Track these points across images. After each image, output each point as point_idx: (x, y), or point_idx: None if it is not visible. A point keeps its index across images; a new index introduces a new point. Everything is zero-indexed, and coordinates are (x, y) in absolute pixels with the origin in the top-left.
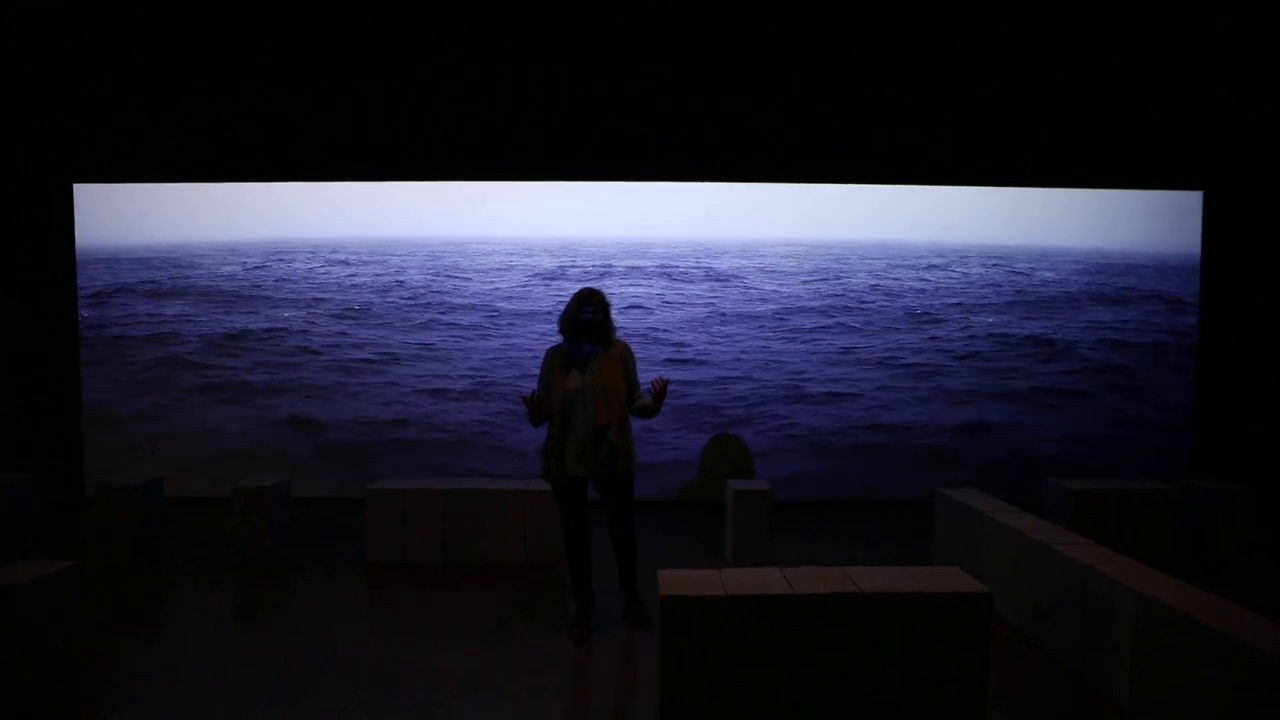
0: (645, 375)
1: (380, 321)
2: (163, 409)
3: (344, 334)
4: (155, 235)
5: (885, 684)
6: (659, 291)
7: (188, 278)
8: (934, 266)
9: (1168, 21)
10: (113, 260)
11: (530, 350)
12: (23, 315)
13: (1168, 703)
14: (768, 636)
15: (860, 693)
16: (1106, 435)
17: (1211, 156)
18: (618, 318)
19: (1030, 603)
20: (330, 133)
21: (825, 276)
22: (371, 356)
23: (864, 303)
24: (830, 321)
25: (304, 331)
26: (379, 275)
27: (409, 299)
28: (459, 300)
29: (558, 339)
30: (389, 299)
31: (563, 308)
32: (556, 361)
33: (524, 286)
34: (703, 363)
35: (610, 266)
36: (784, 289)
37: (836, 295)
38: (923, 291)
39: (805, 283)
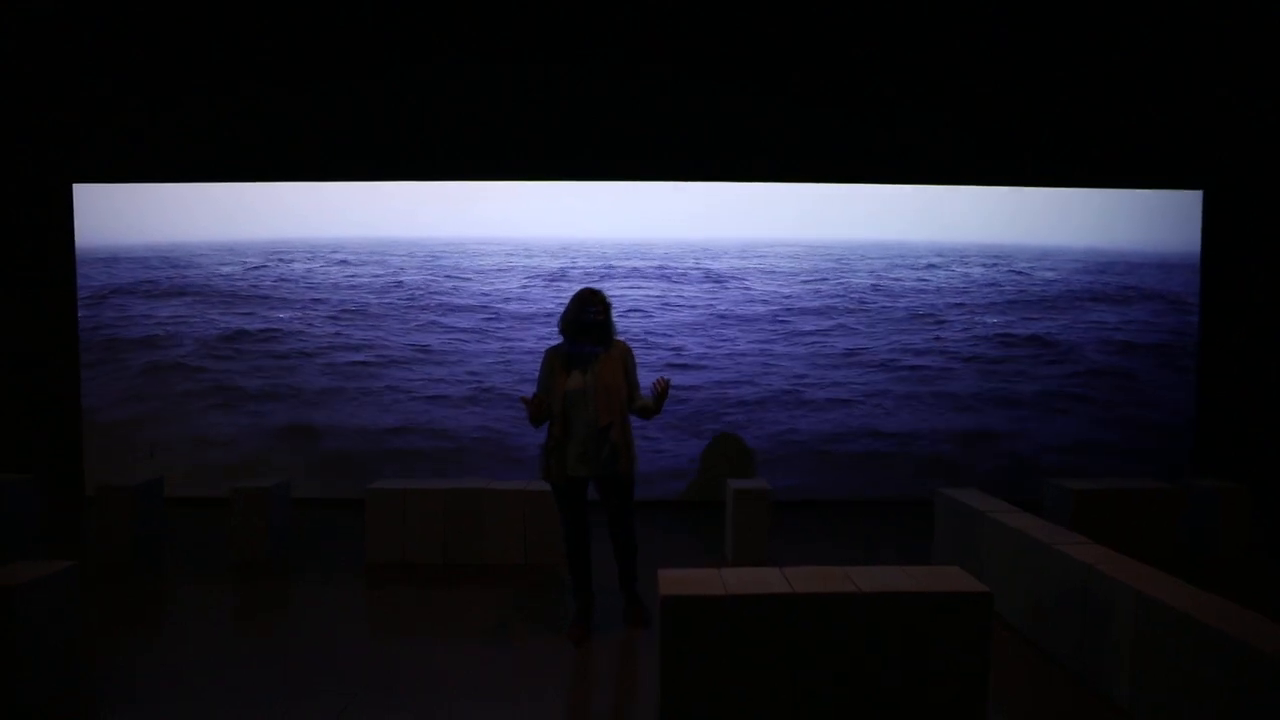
0: (644, 377)
1: (374, 324)
2: (161, 411)
3: (338, 334)
4: (155, 235)
5: (885, 684)
6: (659, 293)
7: (186, 278)
8: (933, 266)
9: (1168, 21)
10: (112, 260)
11: (531, 352)
12: (22, 315)
13: (1168, 702)
14: (768, 636)
15: (860, 692)
16: (1107, 435)
17: (1211, 156)
18: (618, 320)
19: (1030, 602)
20: (330, 133)
21: (825, 277)
22: (369, 359)
23: (865, 303)
24: (830, 323)
25: (300, 333)
26: (378, 275)
27: (408, 300)
28: (457, 301)
29: (558, 340)
30: (387, 299)
31: (563, 309)
32: (557, 362)
33: (524, 287)
34: (701, 367)
35: (611, 268)
36: (784, 289)
37: (837, 296)
38: (923, 292)
39: (805, 283)
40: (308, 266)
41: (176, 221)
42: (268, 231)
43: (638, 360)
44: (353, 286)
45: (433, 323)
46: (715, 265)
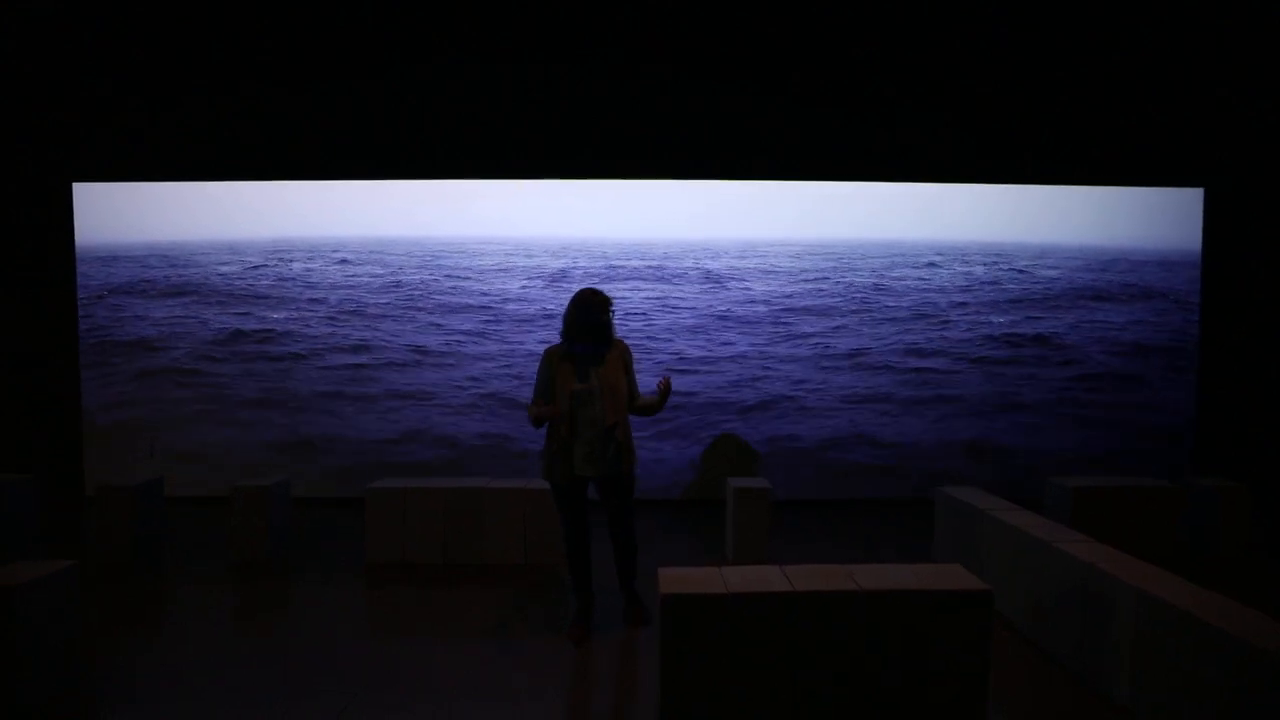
0: (644, 378)
1: (372, 325)
2: (160, 411)
3: (336, 334)
4: (154, 234)
5: (885, 682)
6: (659, 295)
7: (184, 277)
8: (934, 265)
9: (1168, 21)
10: (111, 259)
11: (531, 354)
12: (22, 315)
13: (1168, 701)
14: (768, 635)
15: (860, 691)
16: (1107, 434)
17: (1212, 154)
18: (617, 321)
19: (1030, 601)
20: (330, 132)
21: (826, 276)
22: (368, 361)
23: (867, 303)
24: (832, 324)
25: (296, 334)
26: (377, 275)
27: (407, 300)
28: (455, 300)
29: (556, 342)
30: (387, 300)
31: (564, 310)
32: (560, 363)
33: (524, 288)
34: (699, 371)
35: (611, 268)
36: (784, 289)
37: (838, 295)
38: (925, 290)
39: (806, 283)
40: (306, 266)
41: (176, 220)
42: (268, 230)
43: (636, 360)
44: (352, 286)
45: (433, 324)
46: (715, 265)
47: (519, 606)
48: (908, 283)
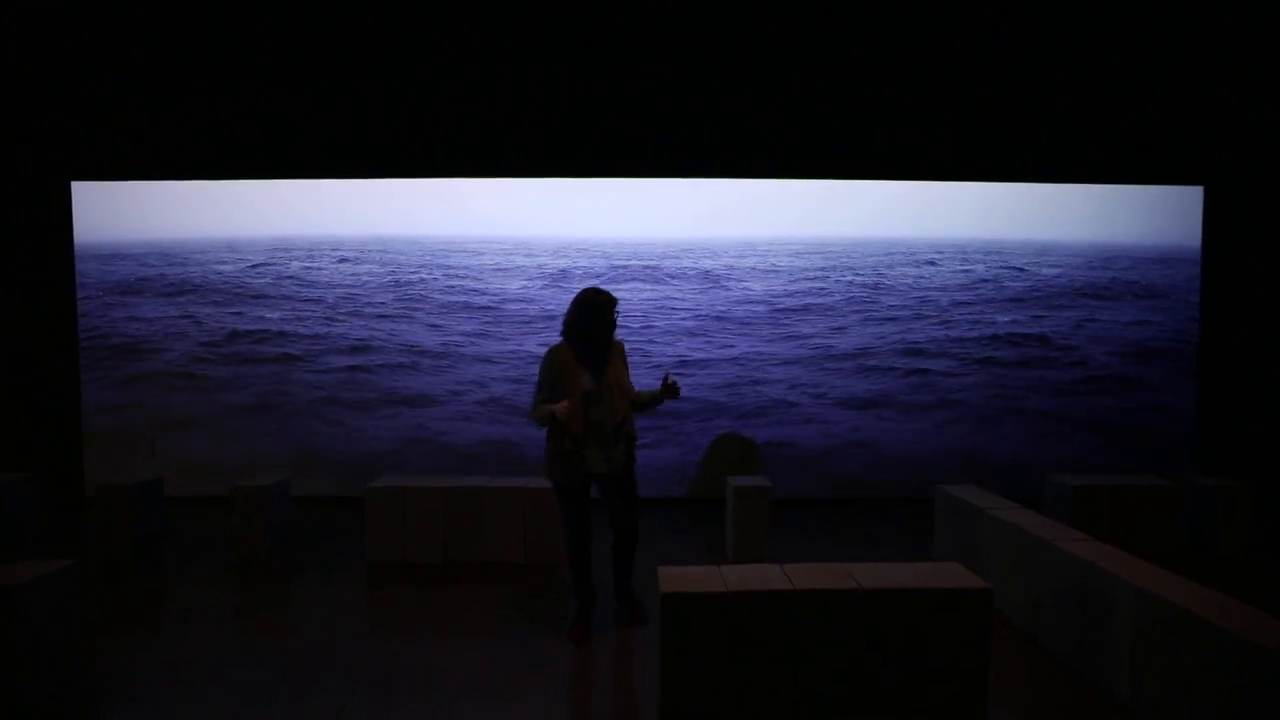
0: (645, 378)
1: (371, 326)
2: (160, 411)
3: (334, 334)
4: (154, 233)
5: (885, 680)
6: (658, 295)
7: (183, 276)
8: (933, 264)
9: (1168, 20)
10: (111, 258)
11: (531, 355)
12: (22, 314)
13: (1168, 699)
14: (768, 633)
15: (860, 689)
16: (1107, 433)
17: (1211, 153)
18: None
19: (1030, 599)
20: (330, 132)
21: (827, 275)
22: (367, 364)
23: (867, 303)
24: (831, 325)
25: (295, 335)
26: (378, 276)
27: (407, 301)
28: (454, 300)
29: (557, 341)
30: (386, 300)
31: (568, 309)
32: (568, 362)
33: (523, 288)
34: (698, 373)
35: (611, 268)
36: (785, 288)
37: (839, 295)
38: (927, 290)
39: (806, 281)
40: (305, 265)
41: (176, 220)
42: (269, 229)
43: (636, 360)
44: (354, 287)
45: (433, 326)
46: (715, 264)
47: (519, 606)
48: (908, 281)
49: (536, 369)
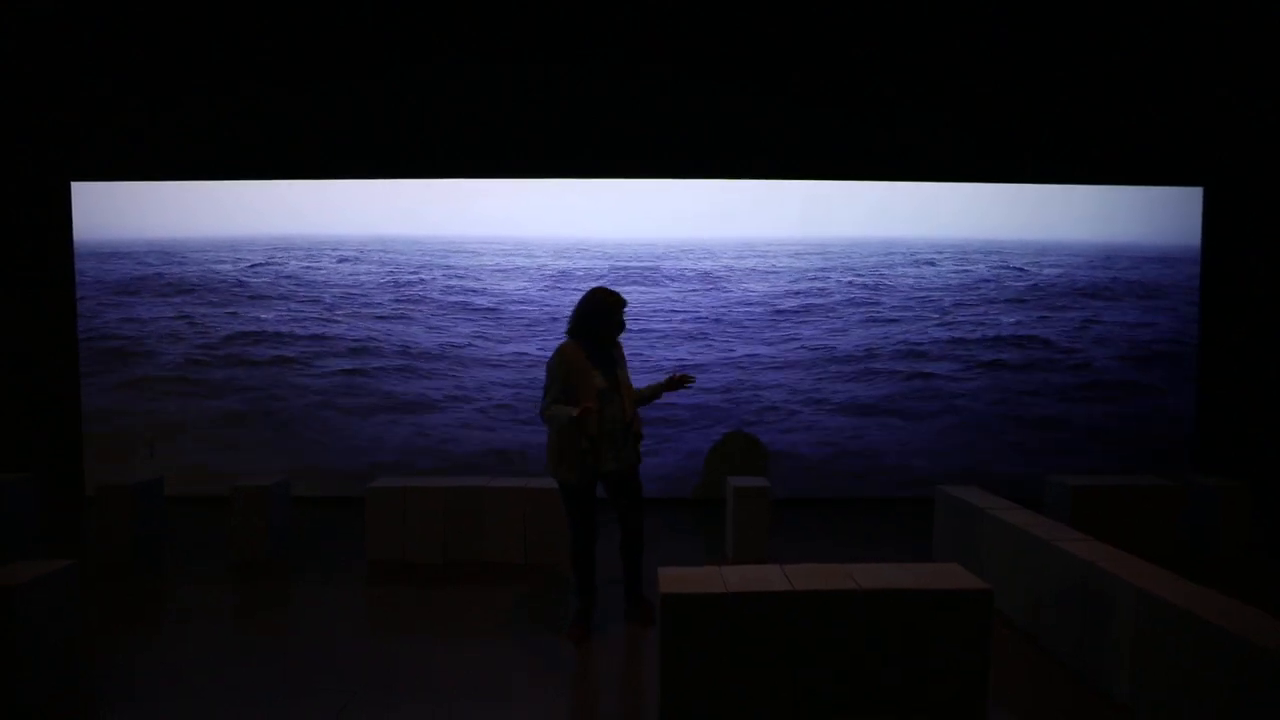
0: (639, 382)
1: (370, 328)
2: (160, 412)
3: (333, 334)
4: (154, 233)
5: (885, 681)
6: (657, 295)
7: (182, 276)
8: (932, 263)
9: (1168, 21)
10: (110, 258)
11: (532, 358)
12: (21, 314)
13: (1168, 699)
14: (768, 634)
15: (860, 689)
16: (1107, 433)
17: (1211, 153)
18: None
19: (1030, 599)
20: (330, 132)
21: (827, 275)
22: (367, 366)
23: (867, 303)
24: (831, 326)
25: (294, 336)
26: (374, 274)
27: (408, 302)
28: (453, 299)
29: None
30: (386, 300)
31: (577, 308)
32: (581, 361)
33: (523, 288)
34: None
35: (614, 269)
36: (785, 289)
37: (839, 295)
38: (929, 289)
39: (806, 282)
40: (304, 265)
41: (175, 219)
42: (269, 228)
43: (636, 361)
44: (355, 286)
45: (435, 327)
46: (715, 265)
47: (519, 606)
48: (909, 280)
49: (536, 371)
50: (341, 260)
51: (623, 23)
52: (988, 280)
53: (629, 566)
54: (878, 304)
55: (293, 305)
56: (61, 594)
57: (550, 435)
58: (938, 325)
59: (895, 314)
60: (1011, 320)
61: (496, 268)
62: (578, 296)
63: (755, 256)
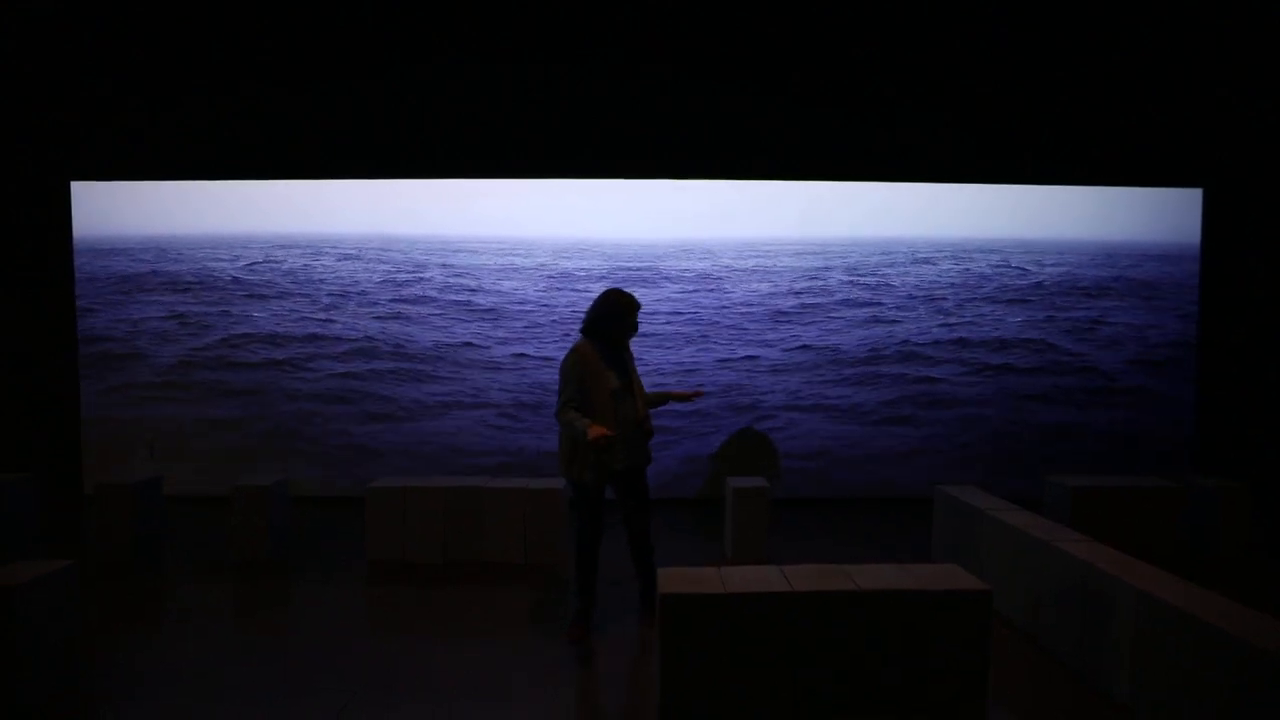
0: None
1: (369, 328)
2: (160, 411)
3: (332, 334)
4: (153, 232)
5: (885, 681)
6: (657, 296)
7: (181, 275)
8: (931, 262)
9: (1168, 21)
10: (109, 256)
11: (533, 360)
12: (21, 314)
13: (1168, 700)
14: (767, 634)
15: (860, 690)
16: (1107, 433)
17: (1211, 154)
18: None
19: (1030, 600)
20: (330, 132)
21: (828, 275)
22: (365, 369)
23: (867, 303)
24: (831, 327)
25: (292, 336)
26: (373, 274)
27: (408, 301)
28: (453, 299)
29: (556, 347)
30: (386, 299)
31: (591, 308)
32: (595, 361)
33: (520, 288)
34: (696, 379)
35: (615, 269)
36: (785, 289)
37: (839, 295)
38: (931, 289)
39: (807, 282)
40: (304, 264)
41: (175, 219)
42: (271, 226)
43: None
44: (355, 285)
45: (436, 328)
46: (715, 265)
47: (519, 606)
48: (910, 280)
49: (536, 372)
50: (344, 259)
51: (623, 23)
52: (989, 280)
53: (642, 572)
54: (879, 304)
55: (289, 305)
56: (61, 594)
57: (562, 435)
58: (938, 326)
59: (897, 313)
60: (1011, 320)
61: (497, 267)
62: (577, 297)
63: (755, 257)
